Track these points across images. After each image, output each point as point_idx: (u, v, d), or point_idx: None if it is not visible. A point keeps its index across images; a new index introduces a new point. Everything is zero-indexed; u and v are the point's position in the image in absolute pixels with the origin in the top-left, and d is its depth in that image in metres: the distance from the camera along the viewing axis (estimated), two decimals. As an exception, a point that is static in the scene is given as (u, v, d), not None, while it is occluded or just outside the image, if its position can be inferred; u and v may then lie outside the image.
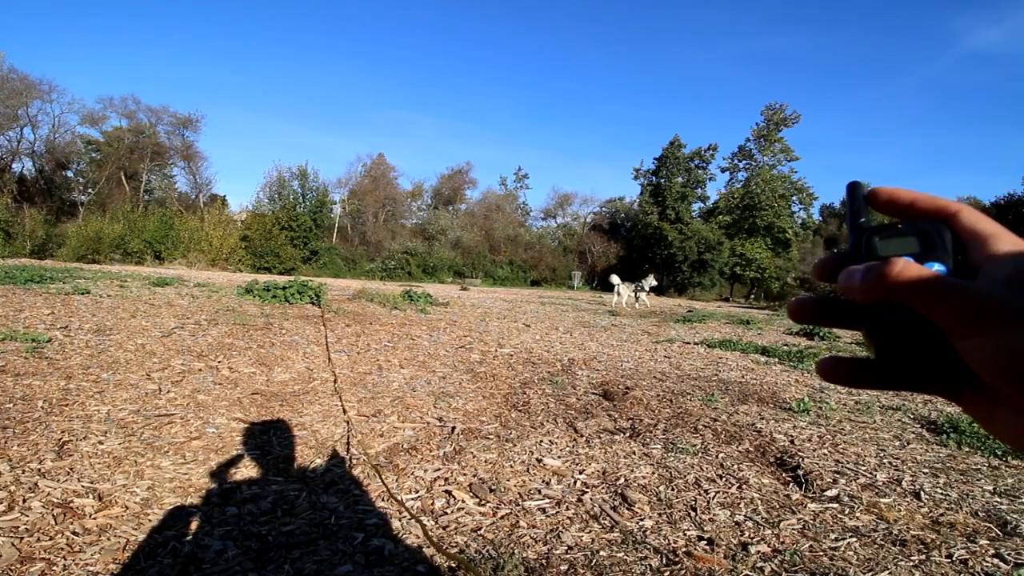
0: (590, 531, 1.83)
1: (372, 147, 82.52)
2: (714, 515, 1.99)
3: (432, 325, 7.39)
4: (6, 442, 2.23)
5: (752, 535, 1.84)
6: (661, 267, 37.26)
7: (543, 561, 1.62)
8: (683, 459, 2.57)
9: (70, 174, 33.54)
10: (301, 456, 2.37)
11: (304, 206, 33.64)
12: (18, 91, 29.39)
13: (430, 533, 1.73)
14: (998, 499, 2.24)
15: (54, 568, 1.44)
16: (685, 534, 1.83)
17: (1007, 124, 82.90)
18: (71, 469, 2.05)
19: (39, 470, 2.01)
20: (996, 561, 1.72)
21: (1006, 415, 0.25)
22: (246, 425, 2.71)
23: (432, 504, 1.97)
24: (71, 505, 1.78)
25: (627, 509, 2.01)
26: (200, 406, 2.95)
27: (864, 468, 2.55)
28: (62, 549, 1.53)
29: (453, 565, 1.57)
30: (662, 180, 41.59)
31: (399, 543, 1.68)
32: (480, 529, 1.80)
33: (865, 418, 3.54)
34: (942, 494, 2.27)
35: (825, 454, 2.73)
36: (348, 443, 2.54)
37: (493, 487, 2.13)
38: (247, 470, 2.19)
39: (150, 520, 1.73)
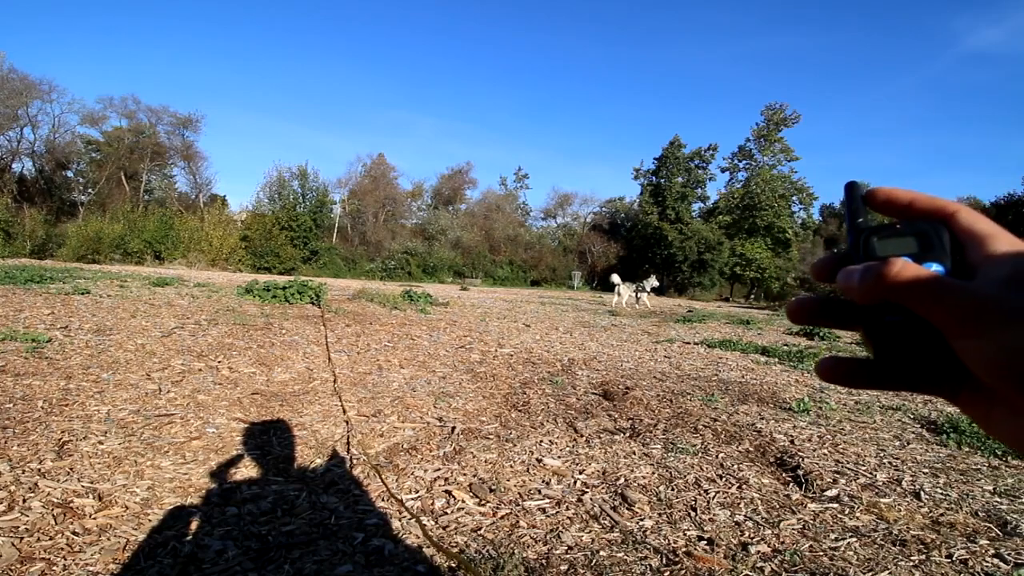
0: (590, 531, 1.83)
1: (372, 147, 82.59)
2: (714, 515, 1.99)
3: (432, 325, 7.39)
4: (6, 442, 2.23)
5: (752, 535, 1.84)
6: (661, 267, 37.25)
7: (543, 561, 1.62)
8: (683, 459, 2.57)
9: (70, 174, 33.55)
10: (301, 456, 2.37)
11: (304, 206, 33.64)
12: (18, 91, 29.40)
13: (430, 533, 1.73)
14: (998, 499, 2.24)
15: (54, 568, 1.44)
16: (685, 534, 1.83)
17: (1007, 124, 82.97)
18: (71, 469, 2.05)
19: (39, 470, 2.01)
20: (996, 561, 1.72)
21: (1003, 415, 0.25)
22: (246, 425, 2.71)
23: (432, 504, 1.97)
24: (71, 505, 1.78)
25: (627, 509, 2.01)
26: (200, 406, 2.95)
27: (864, 468, 2.56)
28: (62, 549, 1.53)
29: (453, 565, 1.57)
30: (662, 180, 41.58)
31: (399, 543, 1.68)
32: (480, 529, 1.80)
33: (865, 418, 3.54)
34: (942, 494, 2.27)
35: (825, 454, 2.73)
36: (348, 443, 2.54)
37: (493, 487, 2.13)
38: (247, 470, 2.19)
39: (150, 520, 1.73)
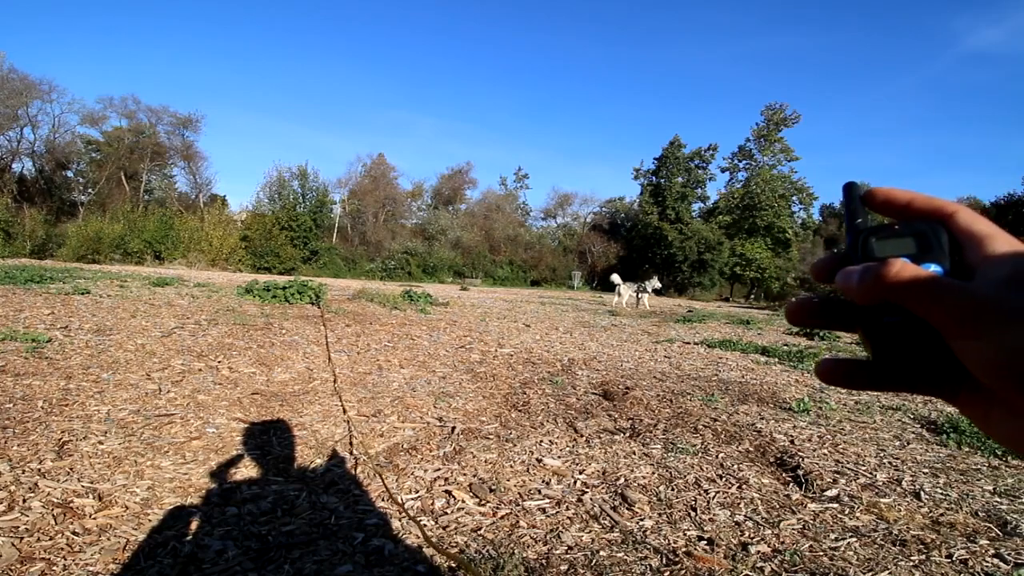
0: (590, 531, 1.83)
1: (372, 147, 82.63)
2: (714, 515, 1.99)
3: (432, 325, 7.39)
4: (6, 442, 2.23)
5: (752, 535, 1.84)
6: (661, 267, 37.25)
7: (543, 561, 1.62)
8: (683, 459, 2.57)
9: (70, 174, 33.56)
10: (301, 456, 2.37)
11: (304, 206, 33.65)
12: (18, 91, 29.40)
13: (428, 534, 1.73)
14: (998, 499, 2.25)
15: (54, 568, 1.44)
16: (685, 534, 1.83)
17: (1007, 124, 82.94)
18: (71, 469, 2.05)
19: (39, 470, 2.01)
20: (996, 561, 1.72)
21: (1002, 416, 0.25)
22: (246, 425, 2.71)
23: (432, 504, 1.97)
24: (71, 505, 1.78)
25: (627, 509, 2.01)
26: (200, 406, 2.95)
27: (864, 468, 2.56)
28: (62, 549, 1.53)
29: (453, 565, 1.57)
30: (662, 180, 41.60)
31: (399, 543, 1.68)
32: (480, 529, 1.80)
33: (865, 418, 3.54)
34: (942, 494, 2.27)
35: (825, 454, 2.73)
36: (351, 443, 2.54)
37: (493, 487, 2.13)
38: (247, 470, 2.19)
39: (150, 520, 1.73)
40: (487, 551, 1.66)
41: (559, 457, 2.52)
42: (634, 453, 2.62)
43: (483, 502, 2.01)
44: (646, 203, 41.33)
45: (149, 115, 35.32)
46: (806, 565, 1.66)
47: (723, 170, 42.34)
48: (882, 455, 2.77)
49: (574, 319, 10.21)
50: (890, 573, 1.63)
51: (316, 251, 31.61)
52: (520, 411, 3.29)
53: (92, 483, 1.95)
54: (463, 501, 2.01)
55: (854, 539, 1.84)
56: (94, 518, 1.71)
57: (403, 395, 3.50)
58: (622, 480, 2.28)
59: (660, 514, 1.98)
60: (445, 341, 6.00)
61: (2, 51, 29.56)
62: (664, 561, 1.65)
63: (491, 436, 2.78)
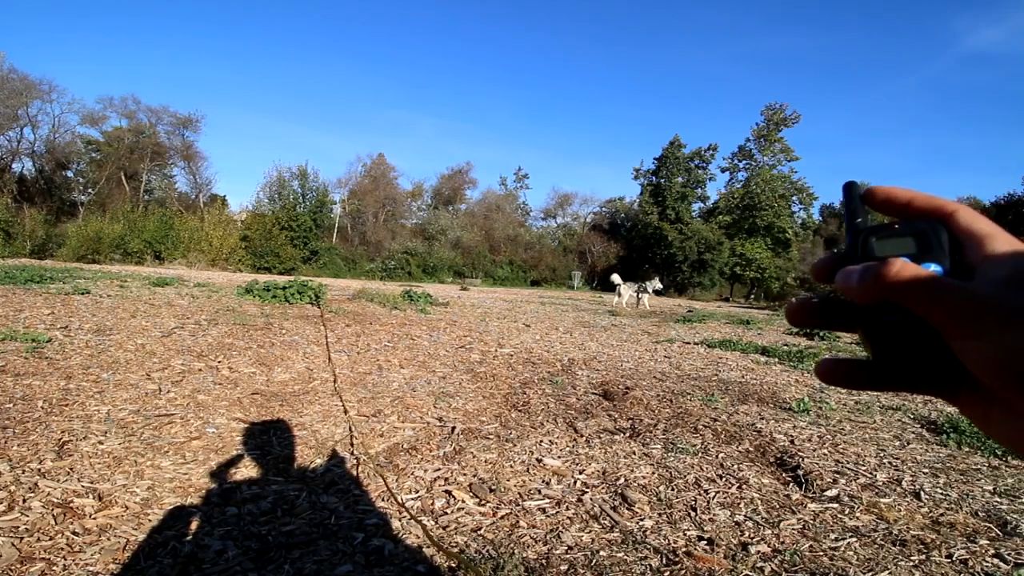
0: (590, 531, 1.83)
1: (372, 147, 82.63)
2: (714, 515, 1.99)
3: (432, 325, 7.39)
4: (6, 442, 2.23)
5: (752, 535, 1.84)
6: (661, 267, 37.25)
7: (543, 561, 1.62)
8: (683, 459, 2.57)
9: (70, 174, 33.56)
10: (301, 456, 2.37)
11: (304, 206, 33.65)
12: (18, 91, 29.40)
13: (431, 533, 1.73)
14: (998, 499, 2.25)
15: (54, 568, 1.44)
16: (685, 534, 1.83)
17: (1007, 124, 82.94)
18: (71, 469, 2.05)
19: (39, 470, 2.01)
20: (996, 561, 1.72)
21: (1002, 416, 0.25)
22: (246, 425, 2.71)
23: (432, 504, 1.97)
24: (71, 505, 1.78)
25: (627, 509, 2.01)
26: (200, 406, 2.95)
27: (864, 468, 2.56)
28: (62, 549, 1.53)
29: (453, 565, 1.57)
30: (662, 180, 41.60)
31: (399, 543, 1.68)
32: (480, 529, 1.80)
33: (865, 418, 3.54)
34: (942, 494, 2.27)
35: (825, 454, 2.73)
36: (352, 443, 2.54)
37: (493, 487, 2.13)
38: (247, 470, 2.19)
39: (150, 520, 1.73)
40: (487, 551, 1.66)
41: (559, 457, 2.52)
42: (634, 453, 2.62)
43: (483, 502, 2.01)
44: (646, 203, 41.32)
45: (149, 115, 35.38)
46: (806, 565, 1.66)
47: (723, 170, 42.39)
48: (882, 455, 2.77)
49: (574, 319, 10.21)
50: (890, 573, 1.63)
51: (316, 251, 31.61)
52: (520, 411, 3.29)
53: (92, 483, 1.95)
54: (463, 501, 2.01)
55: (854, 539, 1.84)
56: (94, 518, 1.71)
57: (403, 395, 3.50)
58: (622, 480, 2.28)
59: (660, 514, 1.98)
60: (445, 341, 6.00)
61: (2, 51, 29.59)
62: (664, 561, 1.65)
63: (491, 436, 2.78)
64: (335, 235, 37.38)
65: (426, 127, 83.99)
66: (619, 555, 1.68)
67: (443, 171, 47.30)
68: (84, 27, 61.70)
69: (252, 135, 73.24)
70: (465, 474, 2.27)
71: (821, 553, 1.74)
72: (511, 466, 2.38)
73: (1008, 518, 2.03)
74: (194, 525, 1.72)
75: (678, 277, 37.41)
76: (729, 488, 2.25)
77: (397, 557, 1.61)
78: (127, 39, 66.62)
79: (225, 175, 75.43)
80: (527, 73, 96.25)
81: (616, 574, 1.58)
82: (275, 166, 43.87)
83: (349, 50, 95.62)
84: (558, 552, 1.68)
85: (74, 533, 1.61)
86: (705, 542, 1.78)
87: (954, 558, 1.73)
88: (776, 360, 6.08)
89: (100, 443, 2.32)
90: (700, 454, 2.65)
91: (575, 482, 2.24)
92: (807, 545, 1.79)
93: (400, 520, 1.82)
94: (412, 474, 2.24)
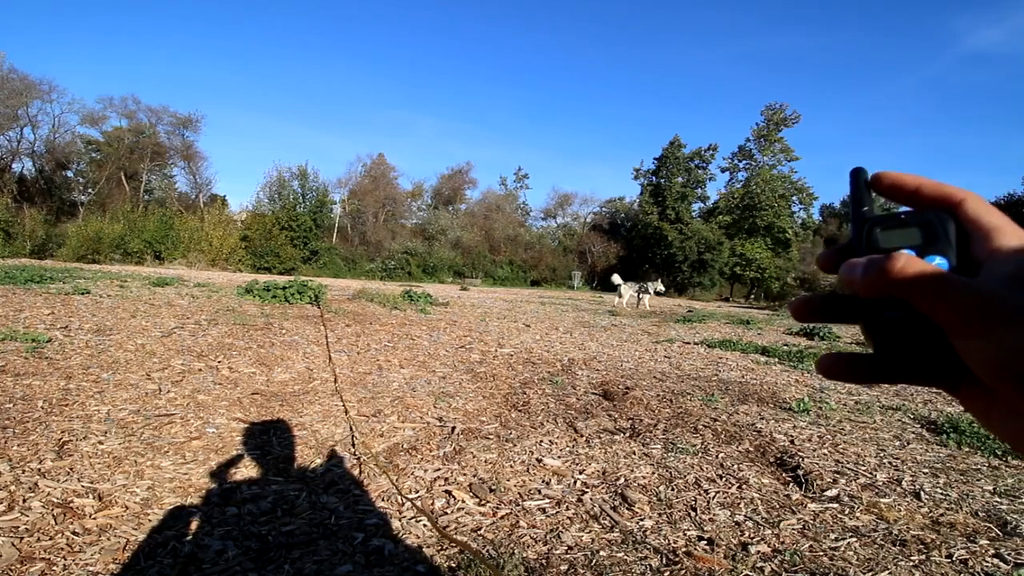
0: (590, 531, 1.83)
1: (372, 147, 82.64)
2: (714, 515, 1.99)
3: (432, 325, 7.39)
4: (6, 442, 2.23)
5: (752, 535, 1.84)
6: (661, 267, 37.25)
7: (543, 561, 1.62)
8: (683, 459, 2.57)
9: (70, 174, 33.55)
10: (301, 456, 2.37)
11: (304, 206, 33.65)
12: (18, 91, 29.39)
13: (436, 526, 1.73)
14: (998, 499, 2.24)
15: (54, 568, 1.44)
16: (685, 534, 1.83)
17: (1007, 124, 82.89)
18: (71, 469, 2.05)
19: (39, 470, 2.01)
20: (996, 561, 1.72)
21: (1003, 415, 0.24)
22: (246, 425, 2.71)
23: (432, 504, 1.97)
24: (71, 505, 1.78)
25: (627, 509, 2.01)
26: (200, 406, 2.95)
27: (864, 468, 2.55)
28: (62, 549, 1.53)
29: (453, 566, 1.57)
30: (662, 180, 41.58)
31: (399, 543, 1.68)
32: (480, 529, 1.80)
33: (865, 418, 3.54)
34: (942, 494, 2.27)
35: (825, 454, 2.73)
36: (353, 443, 2.54)
37: (493, 487, 2.13)
38: (247, 470, 2.19)
39: (150, 520, 1.73)
40: (487, 551, 1.66)
41: (559, 457, 2.52)
42: (634, 453, 2.62)
43: (483, 502, 2.01)
44: (646, 203, 41.31)
45: (149, 115, 35.36)
46: (806, 565, 1.66)
47: (723, 170, 42.34)
48: (882, 455, 2.77)
49: (574, 319, 10.21)
50: (890, 573, 1.63)
51: (316, 251, 31.61)
52: (520, 411, 3.29)
53: (92, 483, 1.95)
54: (463, 501, 2.01)
55: (854, 539, 1.84)
56: (94, 518, 1.71)
57: (403, 395, 3.50)
58: (622, 480, 2.28)
59: (660, 514, 1.98)
60: (445, 341, 6.00)
61: (2, 51, 29.58)
62: (664, 561, 1.65)
63: (491, 436, 2.78)
64: (335, 235, 37.38)
65: (426, 127, 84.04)
66: (619, 555, 1.68)
67: (443, 171, 47.35)
68: (84, 27, 61.74)
69: (252, 135, 73.30)
70: (465, 474, 2.26)
71: (821, 553, 1.74)
72: (511, 466, 2.38)
73: (1008, 518, 2.03)
74: (194, 525, 1.72)
75: (678, 277, 37.40)
76: (729, 488, 2.25)
77: (397, 557, 1.61)
78: (127, 39, 66.66)
79: (225, 175, 75.45)
80: (527, 73, 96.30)
81: (616, 574, 1.58)
82: (275, 166, 43.97)
83: (349, 50, 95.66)
84: (558, 552, 1.68)
85: (74, 533, 1.61)
86: (705, 542, 1.78)
87: (954, 558, 1.73)
88: (776, 360, 6.08)
89: (100, 443, 2.32)
90: (700, 454, 2.65)
91: (575, 482, 2.24)
92: (807, 545, 1.79)
93: (400, 520, 1.82)
94: (412, 474, 2.24)
